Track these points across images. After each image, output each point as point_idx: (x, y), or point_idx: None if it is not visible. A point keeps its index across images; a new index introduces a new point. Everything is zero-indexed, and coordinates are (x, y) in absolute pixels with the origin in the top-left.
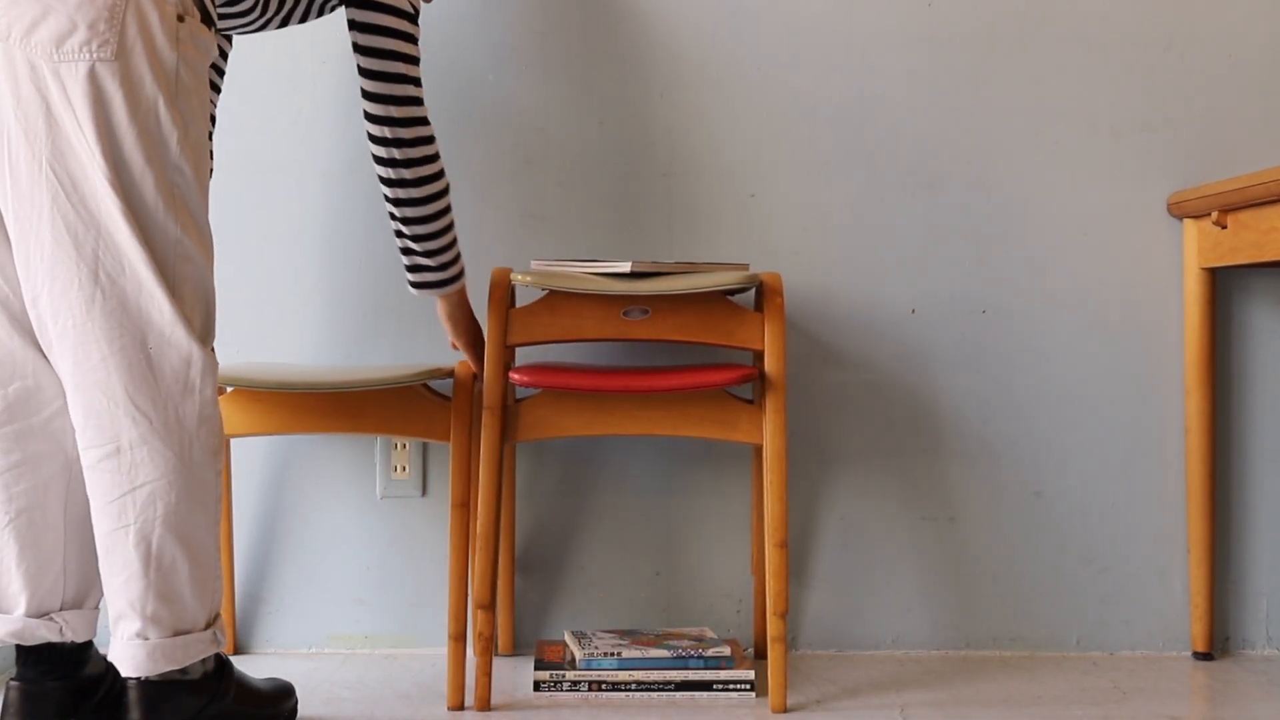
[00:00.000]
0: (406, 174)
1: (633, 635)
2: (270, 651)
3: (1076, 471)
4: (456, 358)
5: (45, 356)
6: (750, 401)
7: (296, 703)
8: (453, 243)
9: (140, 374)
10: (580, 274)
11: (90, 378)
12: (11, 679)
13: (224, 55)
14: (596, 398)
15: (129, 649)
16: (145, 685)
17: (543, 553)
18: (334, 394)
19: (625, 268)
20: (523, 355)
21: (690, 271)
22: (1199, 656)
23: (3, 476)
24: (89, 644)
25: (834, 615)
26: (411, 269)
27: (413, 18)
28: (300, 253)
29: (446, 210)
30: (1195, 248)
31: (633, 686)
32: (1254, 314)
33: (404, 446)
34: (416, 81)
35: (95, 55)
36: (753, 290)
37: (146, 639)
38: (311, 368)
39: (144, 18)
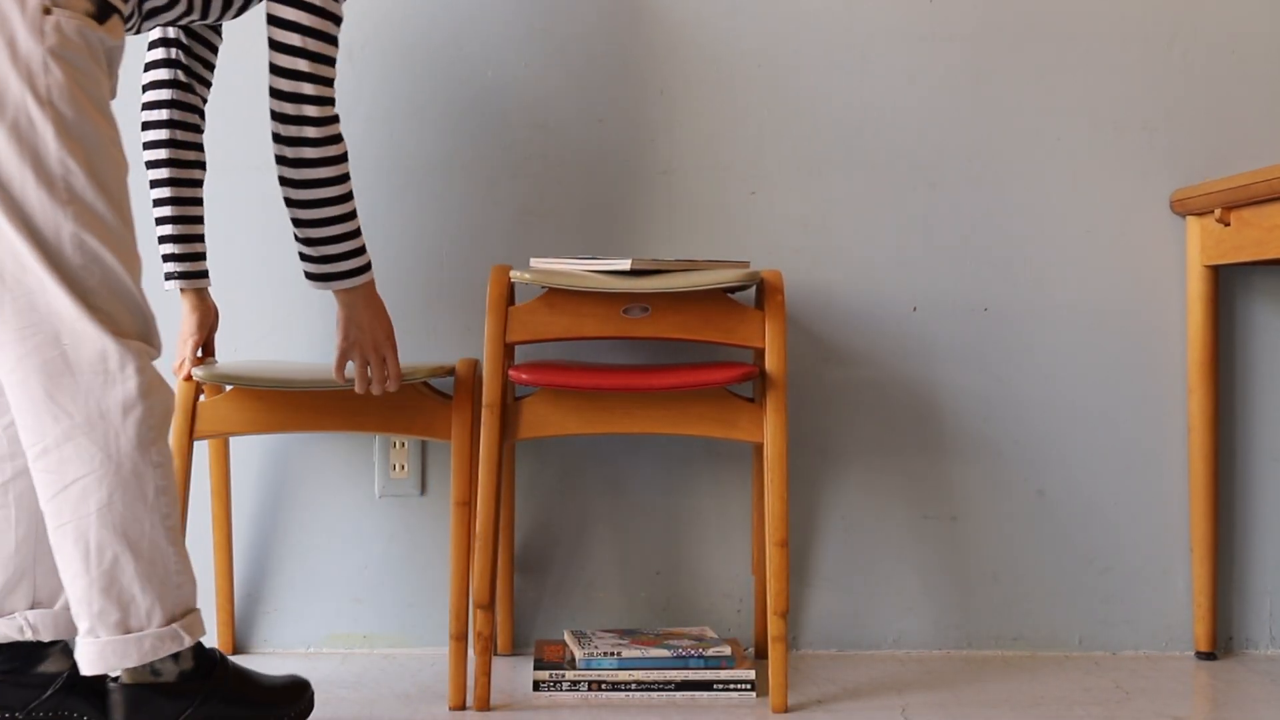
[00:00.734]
0: (288, 152)
1: (633, 635)
2: (268, 651)
3: (1079, 470)
4: (457, 355)
5: None
6: (751, 400)
7: (311, 700)
8: (337, 238)
9: (57, 371)
10: (580, 272)
11: (12, 379)
12: None
13: (213, 49)
14: (596, 396)
15: (81, 647)
16: (122, 690)
17: (542, 552)
18: (335, 392)
19: (625, 265)
20: (522, 354)
21: (690, 269)
22: (1202, 656)
23: None
24: (55, 642)
25: (835, 615)
26: (299, 256)
27: (333, 18)
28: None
29: (331, 201)
30: (1198, 245)
31: (633, 686)
32: (1257, 312)
33: (402, 445)
34: (318, 81)
35: None
36: (753, 288)
37: (96, 637)
38: (312, 366)
39: None
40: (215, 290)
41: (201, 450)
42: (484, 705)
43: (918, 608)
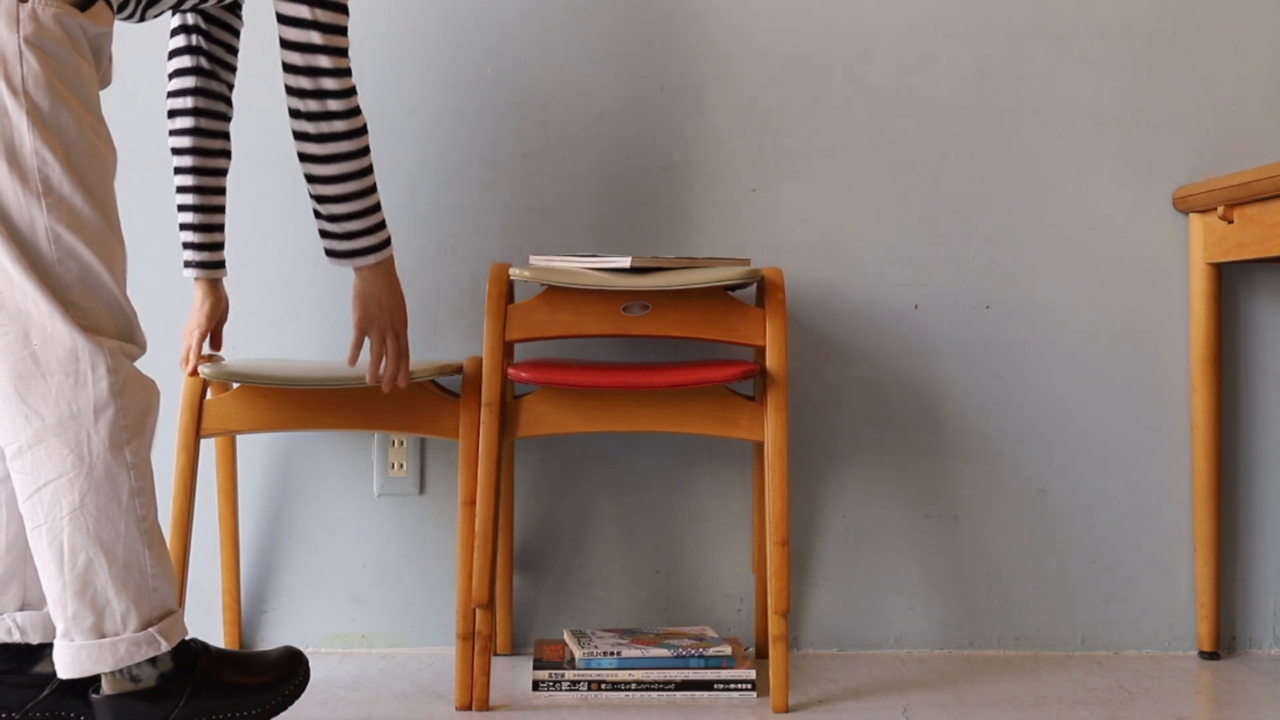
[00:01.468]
0: (311, 128)
1: (633, 634)
2: None
3: (1081, 469)
4: (461, 354)
5: None
6: (751, 398)
7: (307, 671)
8: (361, 213)
9: (26, 371)
10: (580, 269)
11: None
12: None
13: (234, 32)
14: (596, 394)
15: (57, 650)
16: (105, 703)
17: (542, 551)
18: (343, 390)
19: (625, 263)
20: (522, 351)
21: (690, 266)
22: (1205, 656)
23: None
24: (50, 644)
25: (836, 614)
26: (320, 233)
27: None
28: (301, 247)
29: (355, 176)
30: (1201, 243)
31: (633, 686)
32: (1260, 310)
33: (401, 443)
34: (332, 52)
35: None
36: (754, 286)
37: (71, 640)
38: (317, 364)
39: None
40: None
41: (207, 448)
42: (483, 705)
43: (919, 607)
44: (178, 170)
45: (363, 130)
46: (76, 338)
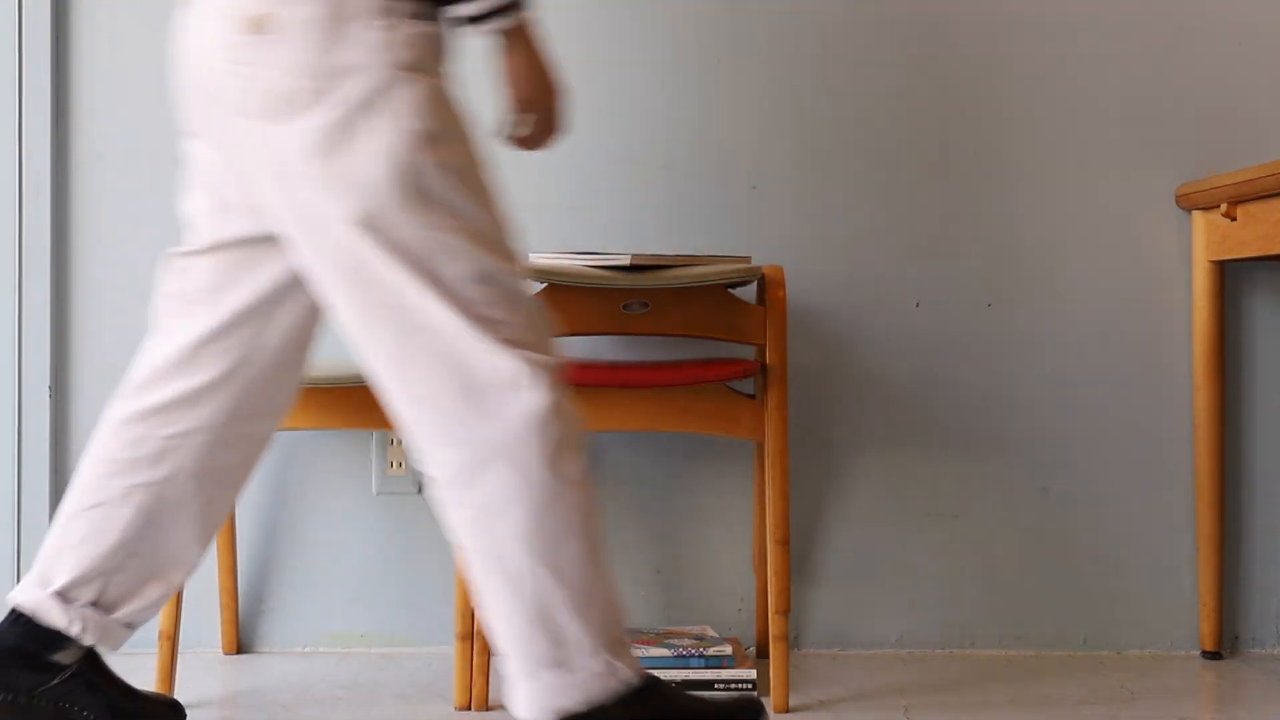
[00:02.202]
0: None
1: (632, 634)
2: (265, 651)
3: (1083, 468)
4: None
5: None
6: (752, 396)
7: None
8: None
9: (450, 394)
10: (579, 268)
11: (401, 406)
12: None
13: None
14: (596, 392)
15: (519, 689)
16: None
17: None
18: (344, 389)
19: (625, 261)
20: None
21: (691, 264)
22: (1208, 655)
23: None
24: (72, 638)
25: (837, 614)
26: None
27: None
28: None
29: None
30: (1203, 240)
31: None
32: (1263, 308)
33: (400, 442)
34: None
35: None
36: (754, 283)
37: (536, 679)
38: (315, 362)
39: None
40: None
41: None
42: (483, 705)
43: (921, 607)
44: None
45: None
46: (508, 358)
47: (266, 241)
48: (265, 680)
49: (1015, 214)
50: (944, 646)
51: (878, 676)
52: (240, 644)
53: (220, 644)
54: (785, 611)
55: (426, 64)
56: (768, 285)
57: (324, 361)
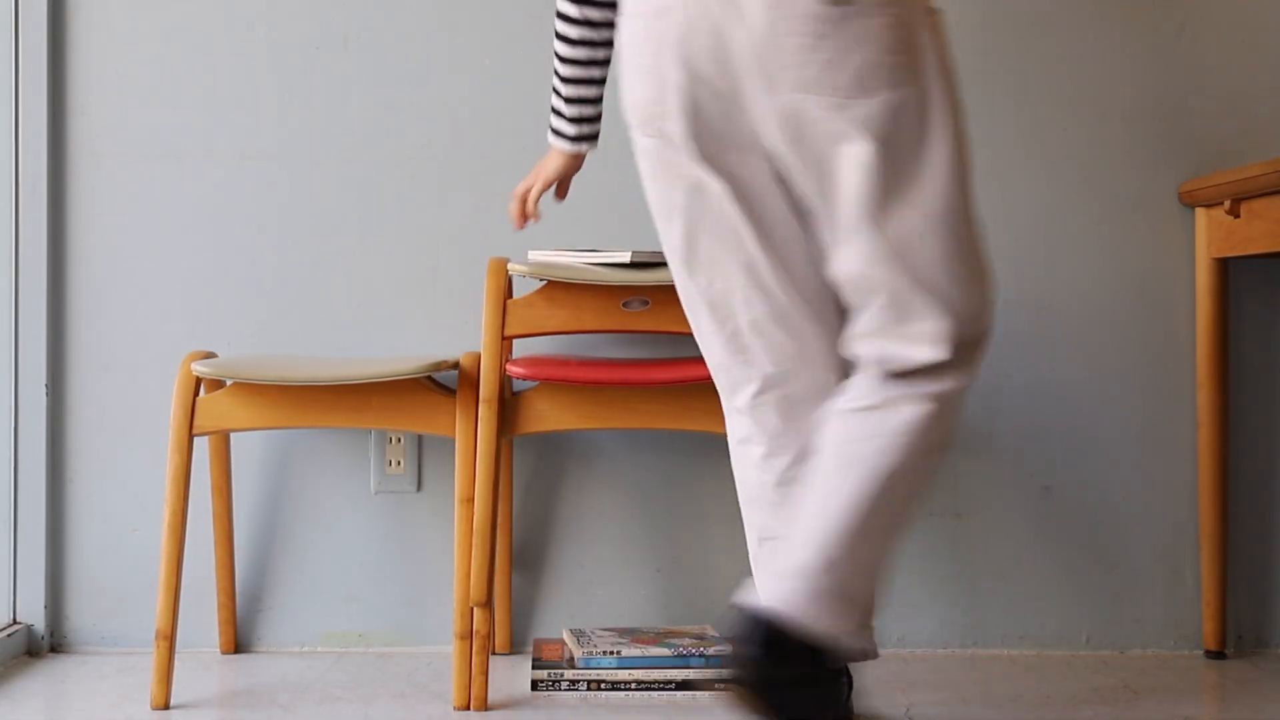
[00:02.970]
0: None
1: (632, 633)
2: (262, 650)
3: (1086, 466)
4: (457, 349)
5: None
6: None
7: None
8: (554, 91)
9: None
10: (579, 265)
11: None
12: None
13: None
14: (596, 390)
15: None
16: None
17: (541, 549)
18: (337, 387)
19: (625, 258)
20: (521, 347)
21: None
22: (1211, 655)
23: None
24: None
25: None
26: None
27: None
28: (295, 242)
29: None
30: (1207, 238)
31: (633, 686)
32: (1268, 306)
33: (399, 440)
34: None
35: None
36: None
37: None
38: (311, 360)
39: None
40: (207, 283)
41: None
42: (482, 705)
43: (922, 606)
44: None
45: (560, 20)
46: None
47: None
48: (263, 680)
49: (1017, 211)
50: (946, 646)
51: (880, 676)
52: (238, 643)
53: (218, 643)
54: None
55: None
56: None
57: (320, 359)
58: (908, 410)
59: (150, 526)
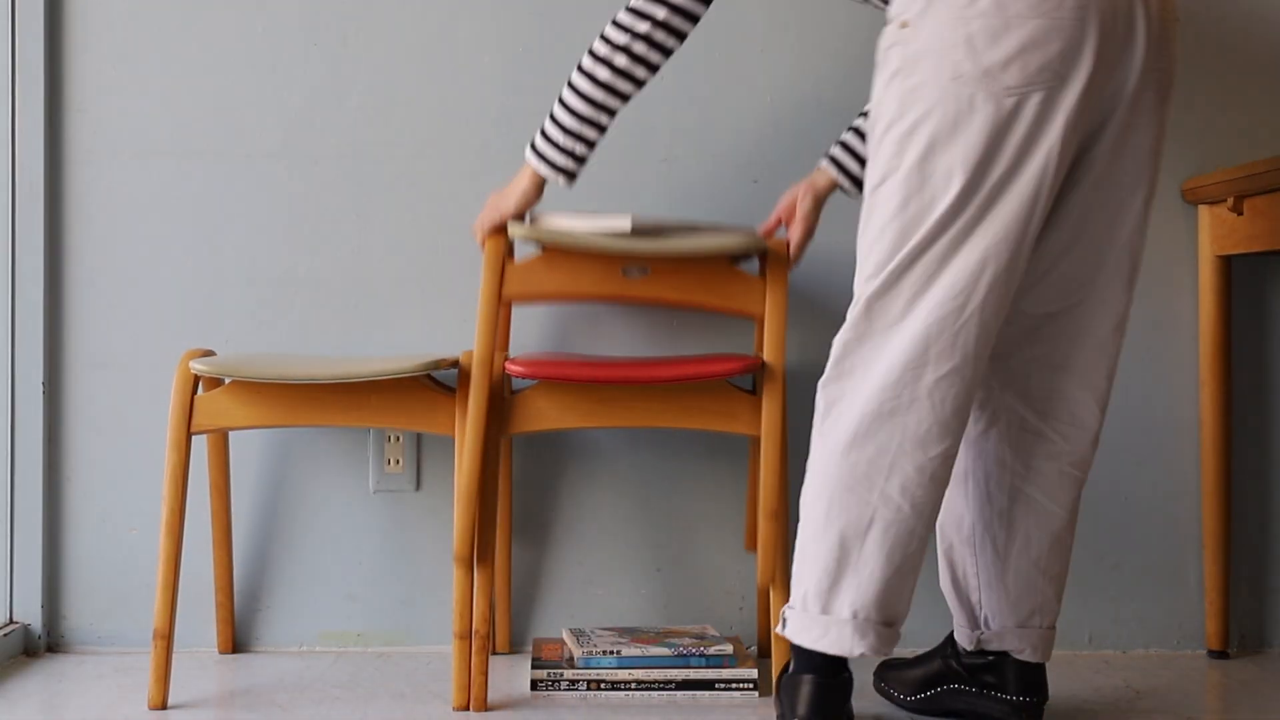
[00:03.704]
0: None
1: (632, 633)
2: (260, 650)
3: None
4: (456, 348)
5: None
6: (751, 392)
7: None
8: (553, 112)
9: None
10: (580, 231)
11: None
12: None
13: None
14: (594, 388)
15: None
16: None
17: (540, 548)
18: (335, 385)
19: (625, 226)
20: (521, 345)
21: (693, 230)
22: (1214, 655)
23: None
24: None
25: None
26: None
27: None
28: (294, 239)
29: (573, 76)
30: (1210, 235)
31: (632, 686)
32: (1271, 303)
33: (397, 439)
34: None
35: None
36: (756, 260)
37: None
38: (310, 358)
39: None
40: (205, 281)
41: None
42: (481, 705)
43: (924, 605)
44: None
45: (592, 53)
46: None
47: None
48: (261, 679)
49: None
50: None
51: None
52: (236, 643)
53: (215, 643)
54: (784, 595)
55: None
56: (770, 259)
57: (318, 358)
58: None
59: (148, 525)
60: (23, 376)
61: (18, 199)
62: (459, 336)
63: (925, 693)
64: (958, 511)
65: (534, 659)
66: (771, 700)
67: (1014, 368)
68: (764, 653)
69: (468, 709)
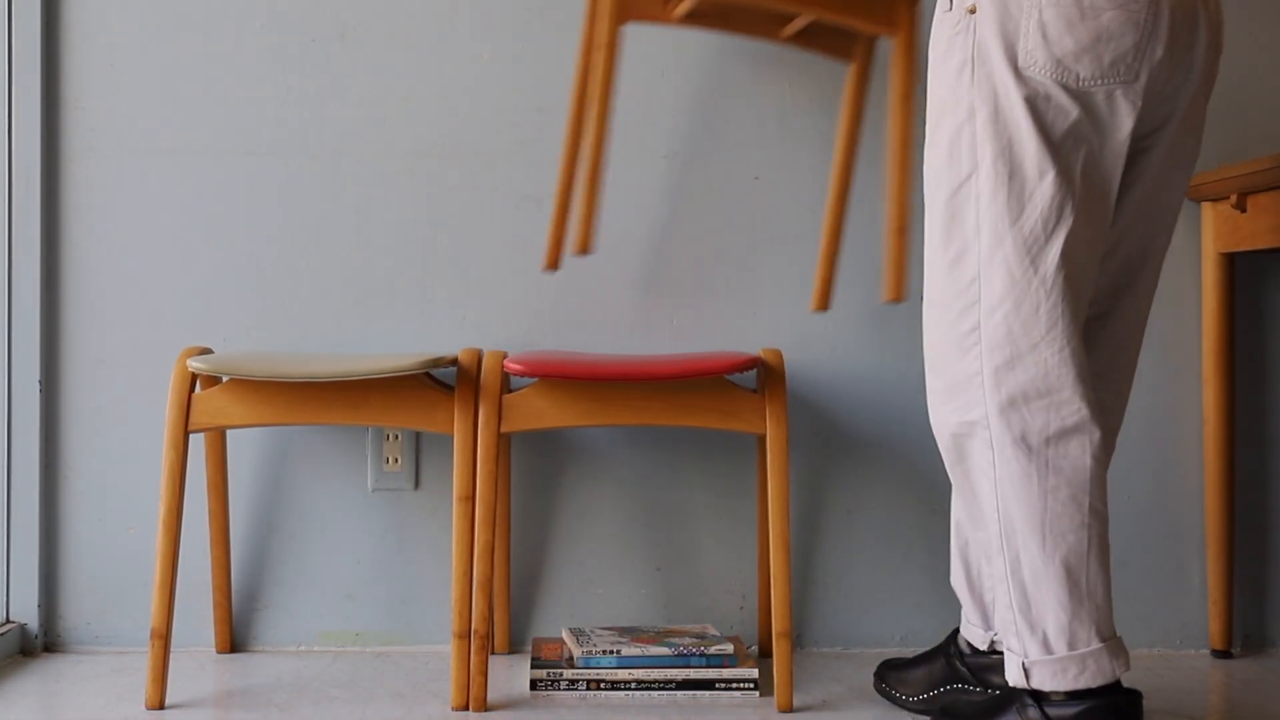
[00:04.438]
0: None
1: (632, 632)
2: (259, 649)
3: None
4: (454, 345)
5: None
6: (752, 390)
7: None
8: None
9: None
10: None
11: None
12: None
13: None
14: (594, 386)
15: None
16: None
17: (540, 548)
18: (333, 384)
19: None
20: (521, 344)
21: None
22: (1217, 654)
23: None
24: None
25: (840, 612)
26: None
27: None
28: (293, 237)
29: None
30: (1213, 232)
31: (633, 685)
32: (1274, 301)
33: (396, 437)
34: None
35: None
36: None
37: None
38: (308, 357)
39: None
40: (203, 279)
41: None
42: (480, 705)
43: (925, 605)
44: None
45: None
46: None
47: None
48: (259, 679)
49: None
50: None
51: None
52: (234, 642)
53: (213, 642)
54: (788, 609)
55: None
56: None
57: (317, 356)
58: None
59: (145, 524)
60: (19, 374)
61: (14, 195)
62: (458, 334)
63: (929, 693)
64: (973, 509)
65: (533, 659)
66: (774, 700)
67: None
68: (764, 652)
69: (467, 709)
